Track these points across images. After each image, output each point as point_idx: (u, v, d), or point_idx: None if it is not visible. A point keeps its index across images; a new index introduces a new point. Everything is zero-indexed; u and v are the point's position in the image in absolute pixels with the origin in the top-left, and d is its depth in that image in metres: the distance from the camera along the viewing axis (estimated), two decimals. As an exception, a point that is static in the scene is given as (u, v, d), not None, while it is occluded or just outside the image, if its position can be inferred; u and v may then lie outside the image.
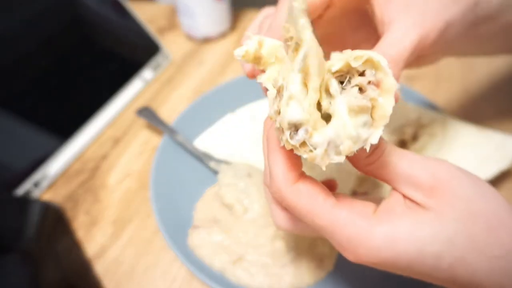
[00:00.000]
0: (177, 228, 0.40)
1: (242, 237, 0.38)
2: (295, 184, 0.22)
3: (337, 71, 0.20)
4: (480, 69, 0.58)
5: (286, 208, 0.23)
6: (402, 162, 0.21)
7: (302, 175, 0.23)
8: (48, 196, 0.47)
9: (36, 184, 0.47)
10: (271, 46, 0.22)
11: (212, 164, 0.45)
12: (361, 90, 0.20)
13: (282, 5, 0.25)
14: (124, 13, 0.60)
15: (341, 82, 0.20)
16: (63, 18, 0.54)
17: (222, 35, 0.70)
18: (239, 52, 0.22)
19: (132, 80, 0.59)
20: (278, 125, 0.20)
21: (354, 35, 0.32)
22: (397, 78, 0.24)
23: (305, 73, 0.19)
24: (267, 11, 0.31)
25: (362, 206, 0.21)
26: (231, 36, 0.71)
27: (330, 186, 0.30)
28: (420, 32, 0.25)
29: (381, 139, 0.21)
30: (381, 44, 0.25)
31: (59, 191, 0.48)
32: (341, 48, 0.31)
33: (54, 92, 0.51)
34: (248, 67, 0.29)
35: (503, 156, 0.40)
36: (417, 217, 0.20)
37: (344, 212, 0.21)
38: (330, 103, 0.20)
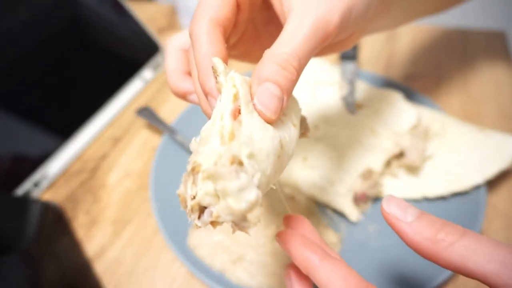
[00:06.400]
0: (177, 228, 0.39)
1: (242, 237, 0.38)
2: None
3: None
4: (480, 69, 0.58)
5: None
6: None
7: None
8: (48, 196, 0.47)
9: (36, 184, 0.47)
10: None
11: (212, 164, 0.45)
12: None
13: (199, 37, 0.24)
14: (124, 13, 0.60)
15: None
16: (63, 18, 0.54)
17: (222, 35, 0.70)
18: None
19: (132, 80, 0.59)
20: (189, 207, 0.20)
21: (266, 29, 0.31)
22: (295, 76, 0.22)
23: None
24: (178, 41, 0.30)
25: None
26: (231, 36, 0.71)
27: None
28: (314, 20, 0.23)
29: None
30: (277, 41, 0.23)
31: (59, 191, 0.48)
32: (257, 43, 0.31)
33: (54, 92, 0.51)
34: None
35: (503, 156, 0.40)
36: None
37: None
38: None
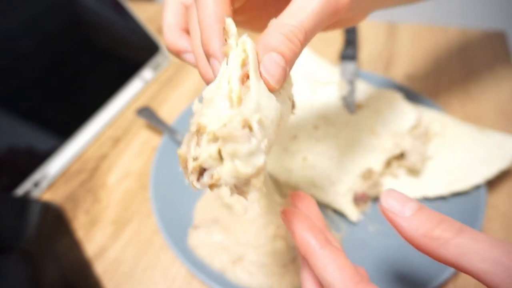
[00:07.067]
0: (177, 228, 0.39)
1: (242, 237, 0.38)
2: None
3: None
4: (480, 69, 0.58)
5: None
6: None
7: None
8: (48, 196, 0.47)
9: (36, 184, 0.47)
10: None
11: (212, 164, 0.45)
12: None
13: None
14: (124, 13, 0.60)
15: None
16: (63, 18, 0.54)
17: (222, 35, 0.70)
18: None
19: (132, 80, 0.59)
20: (190, 168, 0.20)
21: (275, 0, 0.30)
22: (299, 49, 0.22)
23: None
24: None
25: None
26: (231, 36, 0.71)
27: None
28: None
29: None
30: (286, 11, 0.22)
31: (59, 191, 0.48)
32: (263, 13, 0.30)
33: (54, 92, 0.51)
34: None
35: (503, 155, 0.40)
36: None
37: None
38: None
